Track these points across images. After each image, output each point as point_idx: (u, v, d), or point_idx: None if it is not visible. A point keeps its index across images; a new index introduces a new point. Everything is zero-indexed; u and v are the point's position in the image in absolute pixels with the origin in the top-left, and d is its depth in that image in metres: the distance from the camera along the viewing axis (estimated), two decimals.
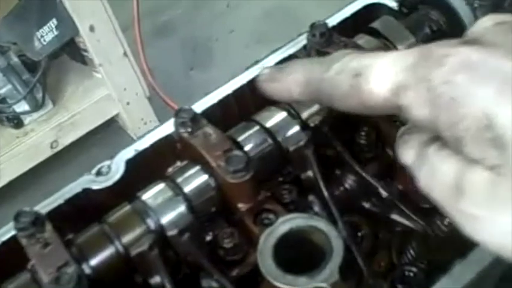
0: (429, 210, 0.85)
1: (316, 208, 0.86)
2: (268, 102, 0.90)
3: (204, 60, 3.68)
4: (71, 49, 3.12)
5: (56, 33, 2.91)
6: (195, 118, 0.84)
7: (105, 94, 3.14)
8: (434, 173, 0.59)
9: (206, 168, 0.82)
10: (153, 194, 0.82)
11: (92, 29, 2.93)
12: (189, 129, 0.84)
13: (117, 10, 3.09)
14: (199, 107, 0.94)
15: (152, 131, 0.92)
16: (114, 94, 3.14)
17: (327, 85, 0.66)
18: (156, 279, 0.78)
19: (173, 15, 3.89)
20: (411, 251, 0.86)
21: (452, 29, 0.94)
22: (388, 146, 0.88)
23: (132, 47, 3.21)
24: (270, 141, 0.85)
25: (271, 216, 0.82)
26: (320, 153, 0.87)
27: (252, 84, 0.95)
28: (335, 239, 0.75)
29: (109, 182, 0.87)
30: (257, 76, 0.79)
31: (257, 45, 3.62)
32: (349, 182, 0.88)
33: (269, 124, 0.86)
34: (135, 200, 0.82)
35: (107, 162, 0.90)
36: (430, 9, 0.95)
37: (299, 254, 0.77)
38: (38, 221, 0.77)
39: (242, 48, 3.64)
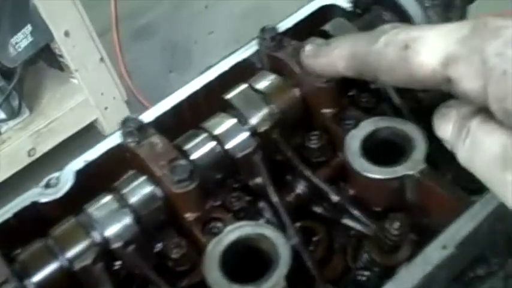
0: (381, 214, 0.84)
1: (267, 214, 0.85)
2: (222, 108, 0.89)
3: (183, 62, 3.67)
4: (47, 55, 3.10)
5: (30, 39, 2.89)
6: (141, 127, 0.83)
7: (83, 100, 3.13)
8: (478, 146, 0.60)
9: (152, 178, 0.81)
10: (98, 206, 0.80)
11: (67, 34, 2.92)
12: (136, 139, 0.83)
13: (93, 15, 3.08)
14: (152, 113, 0.92)
15: (102, 141, 0.90)
16: (92, 99, 3.13)
17: (373, 58, 0.67)
18: None
19: (151, 17, 3.87)
20: (365, 255, 0.85)
21: None
22: (339, 149, 0.87)
23: (109, 51, 3.20)
24: (217, 149, 0.83)
25: (219, 225, 0.81)
26: (271, 159, 0.86)
27: (206, 89, 0.94)
28: (282, 247, 0.74)
29: (58, 195, 0.85)
30: (302, 52, 0.80)
31: (236, 45, 3.57)
32: (300, 187, 0.87)
33: (217, 131, 0.85)
34: (80, 213, 0.81)
35: (55, 174, 0.88)
36: (383, 10, 0.94)
37: (248, 262, 0.76)
38: None
39: (221, 49, 3.62)
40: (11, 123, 3.03)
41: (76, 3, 2.90)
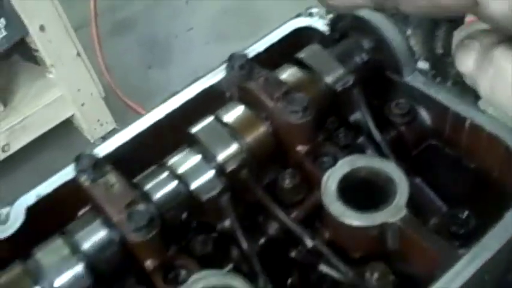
0: (359, 260, 0.78)
1: (236, 260, 0.78)
2: (187, 142, 0.82)
3: (162, 58, 3.58)
4: (22, 49, 3.00)
5: (4, 33, 2.79)
6: (97, 164, 0.76)
7: (59, 95, 3.03)
8: (502, 74, 0.57)
9: (108, 221, 0.73)
10: (47, 251, 0.73)
11: (42, 29, 2.82)
12: (91, 176, 0.75)
13: (69, 9, 2.98)
14: (110, 145, 0.84)
15: (55, 175, 0.83)
16: (68, 95, 3.04)
17: None
18: None
19: (131, 12, 3.76)
20: None
21: (383, 57, 0.86)
22: (314, 188, 0.80)
23: (87, 46, 3.10)
24: (180, 190, 0.76)
25: (183, 272, 0.74)
26: (240, 199, 0.79)
27: (170, 118, 0.87)
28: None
29: (7, 232, 0.78)
30: None
31: (216, 42, 3.53)
32: (272, 230, 0.80)
33: (181, 170, 0.77)
34: (29, 259, 0.73)
35: (5, 210, 0.81)
36: (361, 37, 0.87)
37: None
38: None
39: (201, 46, 3.55)
40: None
41: None
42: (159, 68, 3.52)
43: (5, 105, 3.01)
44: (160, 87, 3.31)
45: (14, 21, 2.77)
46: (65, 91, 3.02)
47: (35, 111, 2.99)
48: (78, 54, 3.00)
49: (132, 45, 3.64)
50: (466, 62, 0.61)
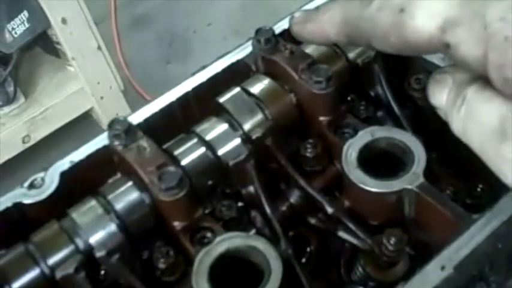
0: (377, 228, 0.81)
1: (259, 224, 0.82)
2: (214, 112, 0.86)
3: (181, 53, 3.62)
4: (43, 42, 3.06)
5: (27, 25, 2.85)
6: (129, 130, 0.80)
7: (79, 88, 3.09)
8: (474, 115, 0.57)
9: (139, 184, 0.77)
10: (82, 211, 0.77)
11: (64, 21, 2.88)
12: (123, 142, 0.79)
13: (90, 3, 3.03)
14: (141, 115, 0.89)
15: (89, 142, 0.87)
16: (88, 88, 3.09)
17: (367, 23, 0.63)
18: None
19: (150, 7, 3.82)
20: (360, 269, 0.82)
21: None
22: (335, 158, 0.84)
23: (106, 40, 3.15)
24: (208, 155, 0.80)
25: (209, 234, 0.77)
26: (264, 167, 0.83)
27: (197, 91, 0.91)
28: (274, 261, 0.71)
29: (42, 196, 0.82)
30: (290, 19, 0.76)
31: (235, 37, 3.56)
32: (294, 197, 0.84)
33: (209, 137, 0.81)
34: (64, 218, 0.77)
35: (40, 175, 0.85)
36: None
37: (238, 275, 0.73)
38: None
39: (220, 41, 3.59)
40: (6, 109, 2.99)
41: None
42: (177, 63, 3.57)
43: (26, 96, 3.07)
44: (179, 82, 3.35)
45: (37, 14, 2.83)
46: (84, 84, 3.07)
47: (56, 103, 3.05)
48: (99, 47, 3.05)
49: (151, 40, 3.70)
50: (439, 97, 0.61)
